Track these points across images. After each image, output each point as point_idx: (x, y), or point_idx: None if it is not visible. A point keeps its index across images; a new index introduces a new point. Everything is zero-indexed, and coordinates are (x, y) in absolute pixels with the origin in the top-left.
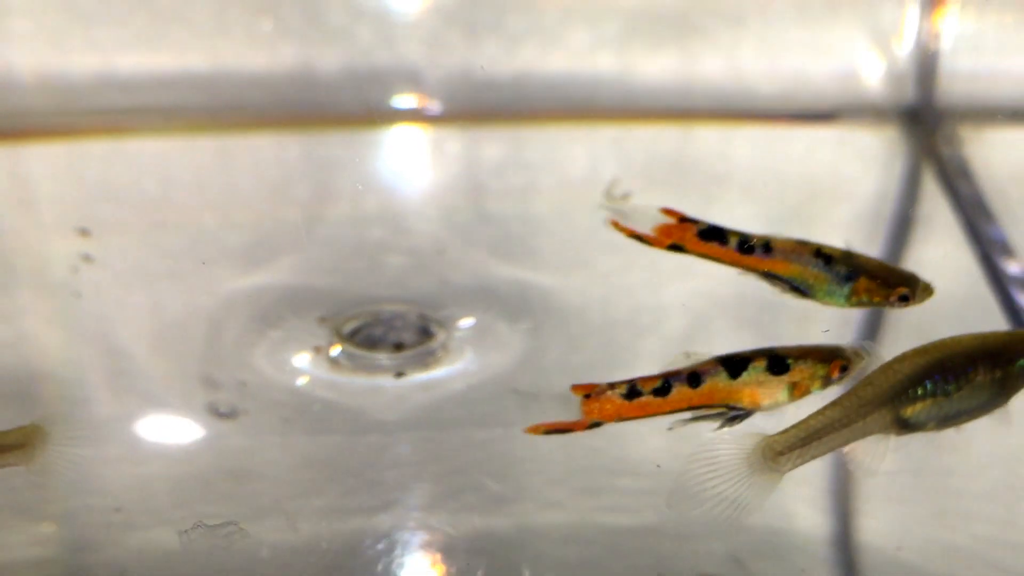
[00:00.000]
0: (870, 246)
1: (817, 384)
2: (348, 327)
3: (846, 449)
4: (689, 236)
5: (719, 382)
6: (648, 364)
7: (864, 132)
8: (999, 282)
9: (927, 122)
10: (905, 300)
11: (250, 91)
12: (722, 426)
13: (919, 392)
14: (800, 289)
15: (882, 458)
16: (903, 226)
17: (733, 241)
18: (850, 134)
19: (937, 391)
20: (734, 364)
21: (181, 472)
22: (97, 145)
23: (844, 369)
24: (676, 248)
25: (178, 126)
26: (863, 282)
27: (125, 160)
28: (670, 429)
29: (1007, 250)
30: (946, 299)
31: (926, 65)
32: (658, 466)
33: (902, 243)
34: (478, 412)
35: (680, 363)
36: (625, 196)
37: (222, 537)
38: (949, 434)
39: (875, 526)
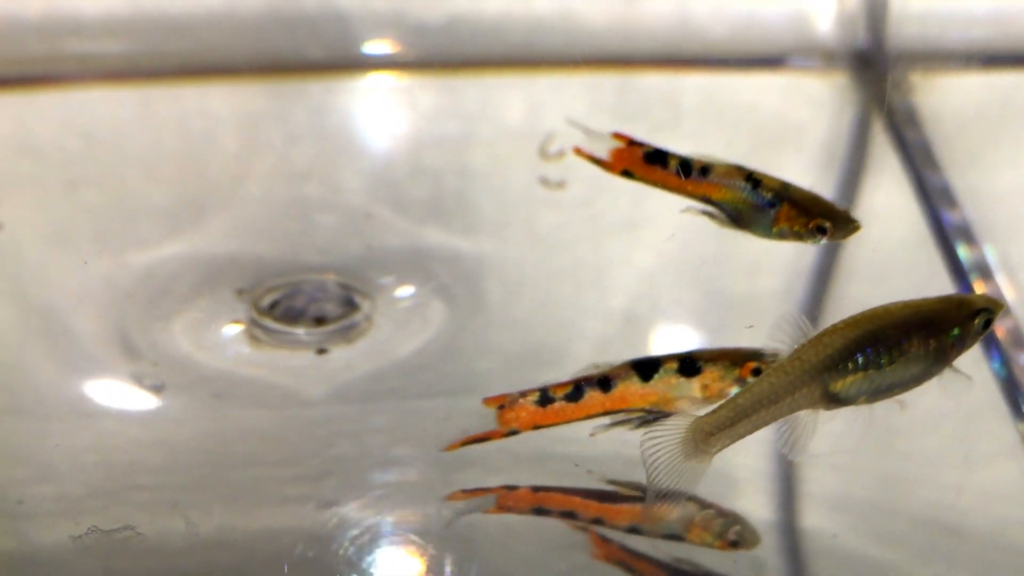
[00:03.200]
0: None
1: (731, 387)
2: (267, 300)
3: (773, 428)
4: (637, 160)
5: (631, 385)
6: (591, 320)
7: (814, 78)
8: (942, 232)
9: (877, 67)
10: (822, 232)
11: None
12: (638, 427)
13: (850, 366)
14: (735, 218)
15: (811, 436)
16: (853, 175)
17: (674, 165)
18: (799, 80)
19: (869, 364)
20: (645, 367)
21: (109, 444)
22: (10, 97)
23: (757, 372)
24: (627, 174)
25: (98, 75)
26: (785, 209)
27: (42, 112)
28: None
29: (950, 200)
30: (893, 249)
31: (877, 7)
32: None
33: (852, 192)
34: (417, 381)
35: (591, 371)
36: (560, 154)
37: (118, 541)
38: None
39: (819, 490)
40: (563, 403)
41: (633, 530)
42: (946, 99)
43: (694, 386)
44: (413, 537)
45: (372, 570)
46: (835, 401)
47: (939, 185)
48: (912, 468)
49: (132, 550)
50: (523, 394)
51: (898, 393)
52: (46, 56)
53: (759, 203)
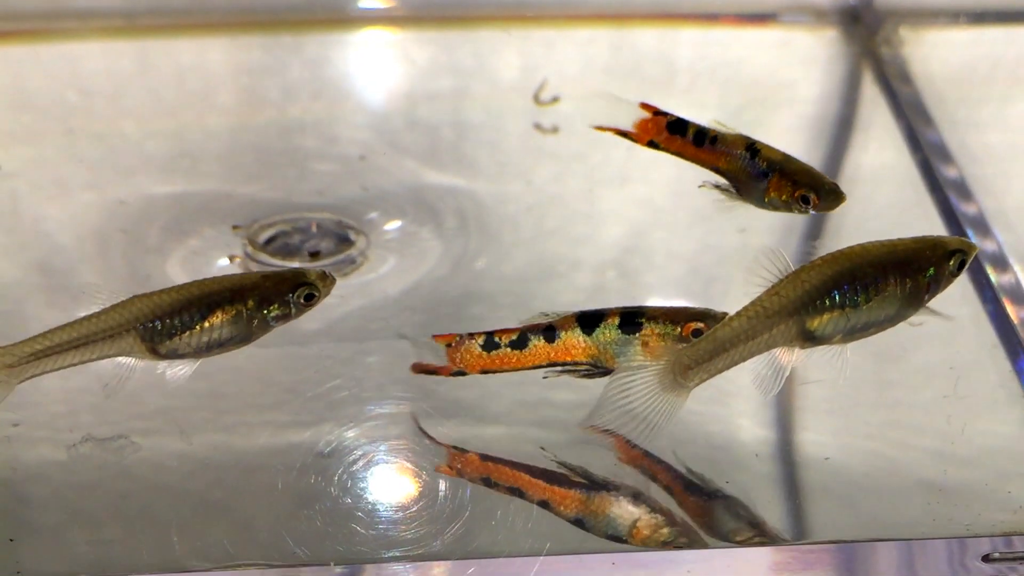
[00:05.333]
0: (812, 151)
1: (670, 345)
2: (264, 235)
3: (747, 365)
4: (662, 130)
5: (574, 337)
6: (583, 273)
7: (805, 33)
8: (937, 186)
9: (867, 22)
10: (806, 202)
11: None
12: (583, 377)
13: (827, 303)
14: (737, 188)
15: (784, 374)
16: (844, 130)
17: (690, 134)
18: (790, 35)
19: (846, 302)
20: (589, 320)
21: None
22: (10, 50)
23: (697, 333)
24: (653, 145)
25: (96, 29)
26: (775, 180)
27: (41, 66)
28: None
29: (944, 155)
30: (886, 204)
31: None
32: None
33: (843, 148)
34: (409, 322)
35: (539, 319)
36: (555, 99)
37: (113, 450)
38: (892, 346)
39: (814, 439)
40: (508, 350)
41: (577, 522)
42: (936, 53)
43: (633, 342)
44: (399, 468)
45: (361, 495)
46: (811, 339)
47: (931, 139)
48: (909, 416)
49: (127, 460)
50: (471, 336)
51: (873, 333)
52: (45, 11)
53: (754, 172)
